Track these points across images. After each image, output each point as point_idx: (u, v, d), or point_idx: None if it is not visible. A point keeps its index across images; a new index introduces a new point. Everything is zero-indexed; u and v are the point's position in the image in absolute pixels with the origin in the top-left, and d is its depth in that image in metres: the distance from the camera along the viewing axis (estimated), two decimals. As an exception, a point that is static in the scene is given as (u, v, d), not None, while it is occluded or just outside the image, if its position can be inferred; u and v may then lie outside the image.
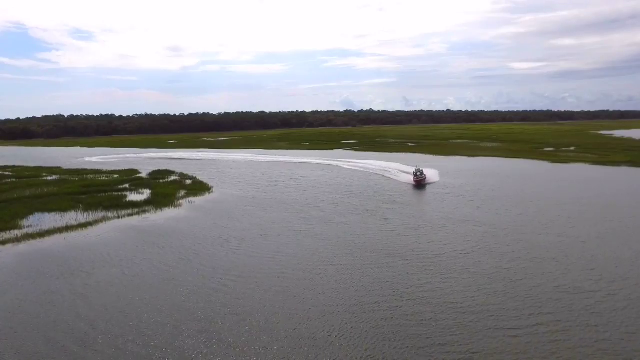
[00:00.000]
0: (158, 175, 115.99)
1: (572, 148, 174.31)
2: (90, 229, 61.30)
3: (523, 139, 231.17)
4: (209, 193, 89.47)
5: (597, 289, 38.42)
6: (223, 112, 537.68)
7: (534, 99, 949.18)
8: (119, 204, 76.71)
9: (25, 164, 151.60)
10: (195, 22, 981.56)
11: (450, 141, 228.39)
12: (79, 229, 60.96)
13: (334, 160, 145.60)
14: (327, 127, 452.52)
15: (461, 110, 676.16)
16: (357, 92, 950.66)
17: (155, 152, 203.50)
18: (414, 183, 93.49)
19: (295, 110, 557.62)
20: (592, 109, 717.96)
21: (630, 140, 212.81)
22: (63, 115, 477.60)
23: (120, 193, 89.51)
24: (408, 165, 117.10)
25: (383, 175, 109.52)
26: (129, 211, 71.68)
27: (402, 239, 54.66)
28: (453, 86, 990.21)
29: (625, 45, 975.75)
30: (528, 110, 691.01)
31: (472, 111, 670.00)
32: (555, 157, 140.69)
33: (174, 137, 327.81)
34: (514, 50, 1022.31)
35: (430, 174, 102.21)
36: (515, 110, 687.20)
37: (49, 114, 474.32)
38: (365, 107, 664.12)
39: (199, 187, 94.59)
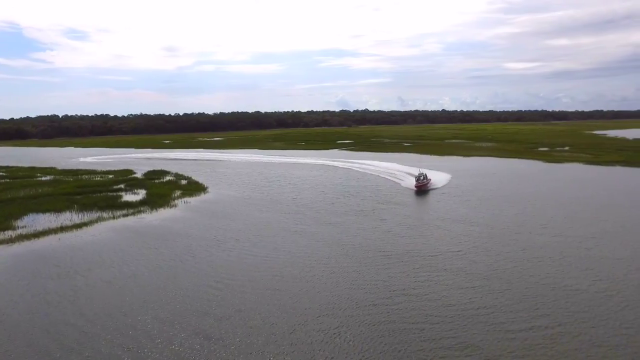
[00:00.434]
0: (153, 175, 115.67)
1: (567, 148, 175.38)
2: (85, 230, 60.99)
3: (518, 138, 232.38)
4: (204, 193, 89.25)
5: (594, 289, 38.58)
6: (218, 112, 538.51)
7: (528, 99, 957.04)
8: (114, 205, 76.39)
9: (19, 164, 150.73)
10: (190, 22, 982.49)
11: (446, 141, 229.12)
12: (74, 230, 60.65)
13: (330, 160, 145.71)
14: (323, 127, 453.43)
15: (456, 110, 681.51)
16: (352, 92, 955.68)
17: (150, 152, 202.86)
18: (414, 188, 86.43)
19: (290, 110, 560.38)
20: (586, 109, 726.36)
21: (623, 140, 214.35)
22: (57, 116, 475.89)
23: (115, 193, 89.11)
24: (407, 165, 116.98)
25: (379, 176, 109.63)
26: (124, 211, 71.41)
27: (398, 239, 54.71)
28: (448, 86, 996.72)
29: (620, 46, 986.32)
30: (523, 110, 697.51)
31: (467, 111, 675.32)
32: (549, 157, 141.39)
33: (169, 137, 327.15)
34: (509, 50, 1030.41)
35: (438, 178, 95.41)
36: (510, 110, 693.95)
37: (43, 114, 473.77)
38: (361, 107, 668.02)
39: (194, 188, 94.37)
